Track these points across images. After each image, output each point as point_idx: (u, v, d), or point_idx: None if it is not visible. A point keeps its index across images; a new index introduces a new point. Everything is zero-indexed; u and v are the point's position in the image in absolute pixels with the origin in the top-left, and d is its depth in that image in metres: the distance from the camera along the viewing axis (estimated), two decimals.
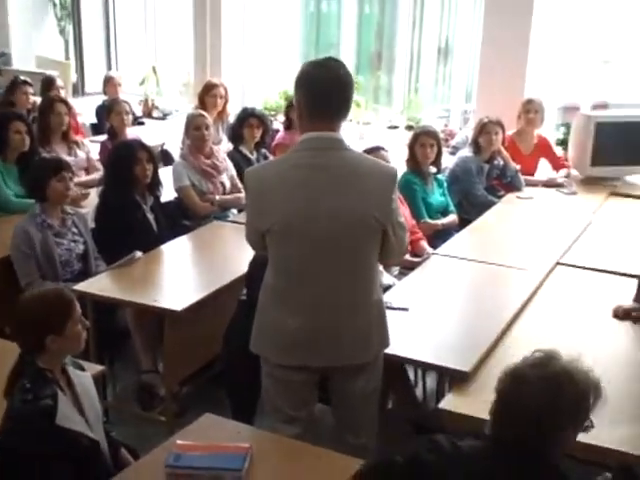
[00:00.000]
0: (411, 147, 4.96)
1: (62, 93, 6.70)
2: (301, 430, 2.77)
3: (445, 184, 5.17)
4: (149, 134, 6.47)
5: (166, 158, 6.27)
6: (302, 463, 2.42)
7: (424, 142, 4.89)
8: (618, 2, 7.25)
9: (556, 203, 5.35)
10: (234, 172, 5.16)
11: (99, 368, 3.00)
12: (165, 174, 4.83)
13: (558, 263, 4.10)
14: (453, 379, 2.97)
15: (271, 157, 5.56)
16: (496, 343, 3.16)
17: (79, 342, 2.48)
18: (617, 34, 8.23)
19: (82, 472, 2.32)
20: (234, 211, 5.12)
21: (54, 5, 9.37)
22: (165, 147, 6.55)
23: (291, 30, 8.04)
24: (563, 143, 6.22)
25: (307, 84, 2.66)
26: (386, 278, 3.86)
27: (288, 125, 5.84)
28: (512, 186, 5.55)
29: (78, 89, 9.41)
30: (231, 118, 6.38)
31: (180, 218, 4.85)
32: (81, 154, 5.56)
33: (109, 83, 7.40)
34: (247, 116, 5.51)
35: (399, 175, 2.85)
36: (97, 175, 5.35)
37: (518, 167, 5.56)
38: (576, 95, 6.97)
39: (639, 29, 8.53)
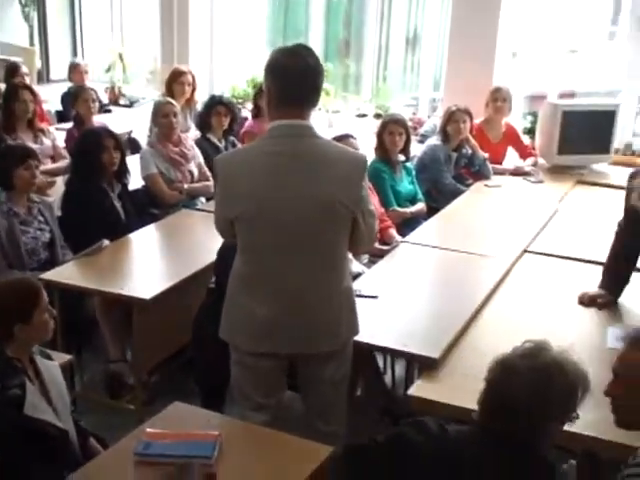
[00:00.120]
0: (379, 135, 4.97)
1: (27, 80, 6.60)
2: (270, 417, 2.77)
3: (413, 172, 5.19)
4: (116, 122, 6.40)
5: (133, 146, 6.21)
6: (272, 450, 2.43)
7: (392, 130, 4.91)
8: None
9: (523, 191, 5.39)
10: (202, 160, 5.13)
11: (67, 357, 2.98)
12: (132, 162, 4.79)
13: (525, 251, 4.13)
14: (422, 366, 2.99)
15: (239, 145, 5.54)
16: (464, 330, 3.19)
17: (47, 331, 2.46)
18: (583, 24, 8.30)
19: (51, 461, 2.31)
20: (202, 199, 5.09)
21: None
22: (132, 135, 6.48)
23: (258, 17, 8.00)
24: (530, 132, 6.26)
25: (277, 71, 2.65)
26: (355, 266, 3.87)
27: (256, 113, 5.82)
28: (480, 174, 5.58)
29: (43, 76, 9.28)
30: (199, 106, 6.33)
31: (148, 206, 4.82)
32: (47, 142, 5.50)
33: (75, 70, 7.31)
34: (215, 104, 5.48)
35: (368, 163, 2.86)
36: (63, 163, 5.29)
37: (486, 155, 5.59)
38: (543, 84, 7.03)
39: (604, 19, 8.61)
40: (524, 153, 5.97)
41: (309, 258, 2.67)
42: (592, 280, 3.56)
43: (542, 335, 2.79)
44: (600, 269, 3.55)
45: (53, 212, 4.18)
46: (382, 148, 4.95)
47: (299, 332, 2.71)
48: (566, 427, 2.18)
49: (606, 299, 3.45)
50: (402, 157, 5.03)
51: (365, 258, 4.24)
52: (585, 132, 5.72)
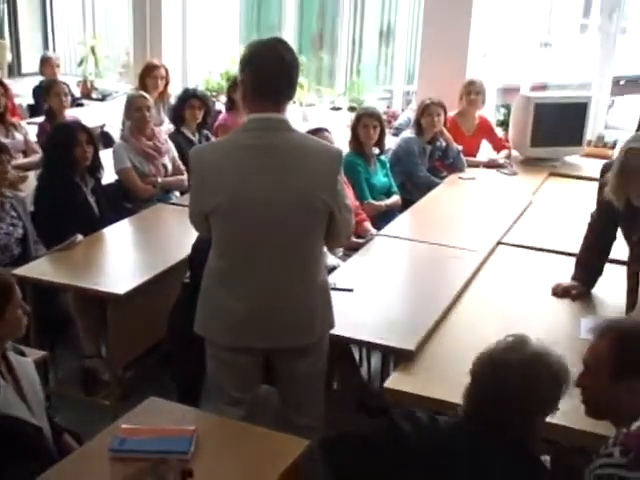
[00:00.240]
0: (354, 128, 4.98)
1: None
2: (246, 412, 2.77)
3: (388, 165, 5.19)
4: (88, 116, 6.35)
5: (106, 140, 6.16)
6: (248, 445, 2.42)
7: (367, 123, 4.91)
8: None
9: (497, 184, 5.43)
10: (176, 154, 5.11)
11: (40, 353, 2.95)
12: (105, 156, 4.76)
13: (499, 243, 4.16)
14: (398, 358, 3.00)
15: (213, 138, 5.52)
16: (440, 322, 3.20)
17: (19, 327, 2.44)
18: (555, 17, 8.36)
19: (25, 458, 2.29)
20: (177, 193, 5.07)
21: None
22: (105, 129, 6.44)
23: (232, 9, 7.96)
24: (504, 124, 6.29)
25: (252, 65, 2.65)
26: (330, 259, 3.87)
27: (230, 106, 5.79)
28: (454, 167, 5.60)
29: (14, 70, 9.17)
30: (172, 99, 6.30)
31: (121, 201, 4.79)
32: (18, 136, 5.45)
33: (46, 64, 7.25)
34: (188, 97, 5.46)
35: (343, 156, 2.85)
36: (35, 157, 5.25)
37: (460, 148, 5.61)
38: (516, 76, 7.06)
39: (576, 12, 8.67)
40: (498, 145, 6.00)
41: (284, 252, 2.67)
42: (565, 271, 3.59)
43: (516, 326, 2.82)
44: (573, 260, 3.58)
45: (26, 207, 4.14)
46: (356, 141, 4.95)
47: (274, 326, 2.70)
48: None
49: (579, 290, 3.47)
50: (376, 150, 5.04)
51: (340, 251, 4.24)
52: (557, 124, 5.76)
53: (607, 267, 3.52)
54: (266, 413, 2.92)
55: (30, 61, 8.70)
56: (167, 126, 5.99)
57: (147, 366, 4.00)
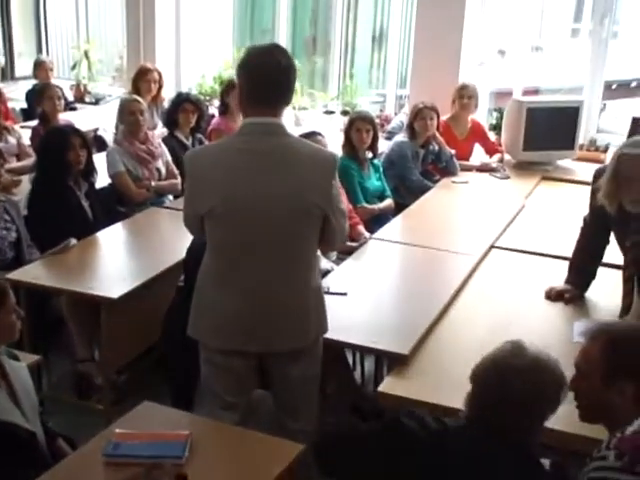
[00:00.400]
0: (347, 132, 4.99)
1: None
2: (240, 417, 2.77)
3: (381, 169, 5.20)
4: (82, 119, 6.35)
5: (100, 144, 6.16)
6: (242, 449, 2.42)
7: (360, 127, 4.92)
8: None
9: (490, 187, 5.44)
10: (169, 158, 5.11)
11: (34, 358, 2.94)
12: (99, 160, 4.75)
13: (493, 246, 4.17)
14: (392, 362, 3.01)
15: (207, 142, 5.52)
16: (433, 325, 3.21)
17: (13, 332, 2.43)
18: (547, 21, 8.39)
19: (19, 463, 2.28)
20: (170, 197, 5.07)
21: None
22: (99, 133, 6.43)
23: (225, 14, 7.96)
24: (496, 128, 6.31)
25: (249, 70, 2.67)
26: (324, 263, 3.87)
27: (223, 110, 5.80)
28: (447, 171, 5.62)
29: (7, 74, 9.16)
30: (166, 103, 6.30)
31: (115, 204, 4.79)
32: (12, 140, 5.44)
33: (40, 67, 7.24)
34: (182, 101, 5.47)
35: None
36: (29, 161, 5.24)
37: (453, 152, 5.62)
38: (509, 81, 7.08)
39: (567, 16, 8.70)
40: (490, 149, 6.02)
41: (279, 256, 2.67)
42: (559, 275, 3.60)
43: (510, 329, 2.83)
44: (566, 264, 3.60)
45: (19, 211, 4.13)
46: (349, 145, 4.96)
47: (268, 330, 2.71)
48: None
49: (572, 294, 3.49)
50: (370, 154, 5.05)
51: (334, 255, 4.25)
52: (550, 128, 5.78)
53: (600, 271, 3.53)
54: (260, 417, 2.92)
55: (24, 65, 8.68)
56: (160, 130, 5.99)
57: (141, 370, 4.00)
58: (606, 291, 3.50)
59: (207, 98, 7.28)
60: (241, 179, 2.62)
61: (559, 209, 4.90)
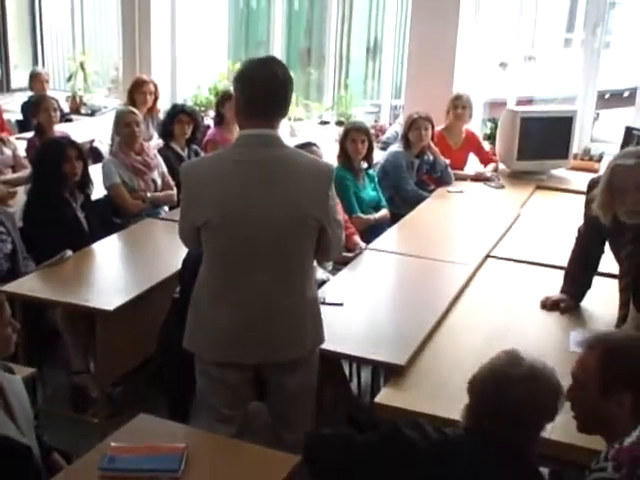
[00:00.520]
0: (342, 143, 5.00)
1: None
2: (236, 429, 2.77)
3: (376, 179, 5.21)
4: (77, 131, 6.35)
5: (95, 155, 6.16)
6: (239, 462, 2.41)
7: (355, 138, 4.93)
8: (541, 2, 7.42)
9: (485, 197, 5.45)
10: (165, 169, 5.11)
11: (29, 371, 2.93)
12: (95, 172, 4.75)
13: (488, 256, 4.18)
14: (388, 373, 3.00)
15: (202, 153, 5.53)
16: (430, 336, 3.21)
17: (8, 345, 2.42)
18: (540, 31, 8.42)
19: (13, 478, 2.27)
20: (166, 208, 5.07)
21: None
22: (94, 144, 6.43)
23: (220, 26, 7.99)
24: (491, 138, 6.33)
25: (245, 82, 2.68)
26: (320, 273, 3.87)
27: (219, 121, 5.81)
28: (442, 180, 5.63)
29: (3, 85, 9.16)
30: (161, 115, 6.31)
31: (111, 216, 4.78)
32: (7, 152, 5.44)
33: (36, 79, 7.23)
34: (177, 112, 5.47)
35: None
36: (24, 173, 5.23)
37: (448, 162, 5.63)
38: (503, 91, 7.10)
39: (560, 26, 8.74)
40: (485, 159, 6.03)
41: (275, 267, 2.68)
42: (554, 284, 3.61)
43: (506, 339, 2.83)
44: (562, 273, 3.60)
45: (15, 223, 4.12)
46: (345, 155, 4.97)
47: (265, 341, 2.71)
48: None
49: (568, 303, 3.49)
50: (365, 164, 5.06)
51: (329, 265, 4.25)
52: (544, 138, 5.80)
53: (596, 280, 3.54)
54: (257, 429, 2.91)
55: (19, 77, 8.69)
56: (156, 141, 5.99)
57: (137, 382, 3.99)
58: (602, 300, 3.50)
59: (202, 109, 7.29)
60: (237, 190, 2.62)
61: (554, 218, 4.91)
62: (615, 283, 3.36)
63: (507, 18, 7.07)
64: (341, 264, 4.11)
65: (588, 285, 3.52)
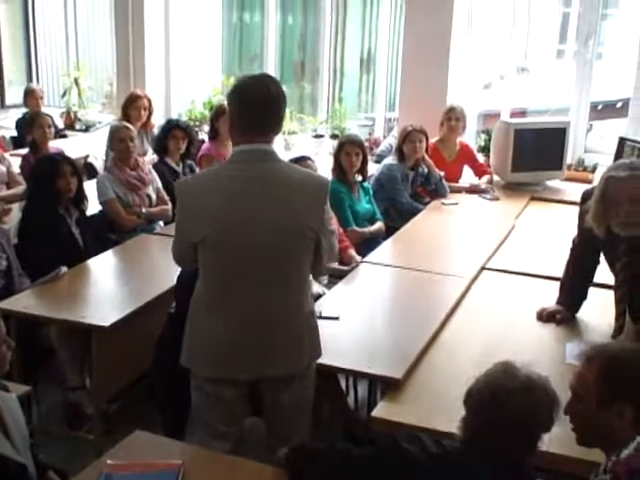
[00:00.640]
0: (336, 156, 5.01)
1: None
2: (232, 446, 2.76)
3: (371, 192, 5.22)
4: (72, 147, 6.36)
5: (90, 171, 6.16)
6: (235, 478, 2.40)
7: (349, 151, 4.94)
8: (533, 14, 7.45)
9: (480, 209, 5.46)
10: (160, 184, 5.12)
11: (24, 388, 2.92)
12: (90, 187, 4.75)
13: (483, 268, 4.18)
14: (385, 386, 3.00)
15: (197, 168, 5.54)
16: (426, 349, 3.20)
17: (3, 363, 2.41)
18: (533, 42, 8.45)
19: None
20: (161, 223, 5.07)
21: None
22: (89, 160, 6.44)
23: (214, 40, 8.01)
24: (485, 150, 6.34)
25: (238, 98, 2.70)
26: (315, 287, 3.87)
27: (213, 136, 5.81)
28: (437, 193, 5.64)
29: None
30: (156, 130, 6.32)
31: (106, 232, 4.78)
32: (2, 168, 5.44)
33: (30, 96, 7.25)
34: (172, 127, 5.48)
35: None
36: (19, 190, 5.24)
37: (442, 174, 5.64)
38: (496, 102, 7.12)
39: (553, 37, 8.77)
40: (479, 171, 6.05)
41: (273, 281, 2.68)
42: (550, 296, 3.61)
43: (502, 351, 2.83)
44: (557, 285, 3.60)
45: (9, 239, 4.12)
46: (339, 169, 4.98)
47: (262, 356, 2.70)
48: None
49: (564, 315, 3.49)
50: (359, 177, 5.07)
51: (325, 279, 4.25)
52: (537, 149, 5.82)
53: (591, 291, 3.54)
54: (253, 446, 2.90)
55: (14, 93, 8.69)
56: (151, 156, 6.00)
57: (133, 398, 3.97)
58: (598, 311, 3.50)
59: (197, 124, 7.30)
60: (234, 206, 2.62)
61: (549, 229, 4.92)
62: (610, 294, 3.36)
63: (500, 30, 7.10)
64: (336, 278, 4.11)
65: (583, 296, 3.52)
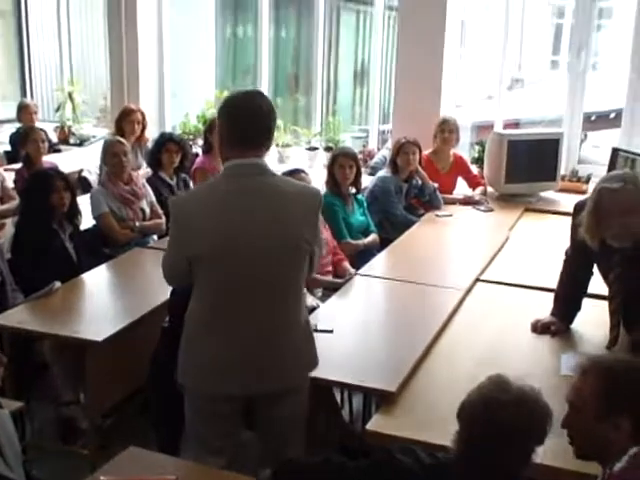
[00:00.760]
0: (330, 168, 5.02)
1: None
2: (227, 461, 2.74)
3: (365, 204, 5.22)
4: (66, 161, 6.36)
5: (84, 185, 6.16)
6: None
7: (343, 163, 4.95)
8: (526, 25, 7.48)
9: (474, 220, 5.46)
10: (154, 198, 5.12)
11: (17, 404, 2.91)
12: (84, 202, 4.75)
13: (478, 280, 4.17)
14: (380, 399, 2.99)
15: (191, 182, 5.53)
16: (420, 361, 3.20)
17: None
18: (526, 54, 8.49)
19: None
20: (154, 237, 5.06)
21: None
22: (83, 174, 6.43)
23: (208, 54, 8.03)
24: (478, 161, 6.35)
25: (228, 113, 2.71)
26: (310, 300, 3.86)
27: (207, 149, 5.81)
28: (431, 204, 5.64)
29: None
30: (149, 143, 6.32)
31: (100, 246, 4.77)
32: None
33: (24, 111, 7.25)
34: (165, 141, 5.48)
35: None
36: (13, 204, 5.23)
37: (436, 185, 5.65)
38: (489, 114, 7.14)
39: (546, 48, 8.81)
40: (473, 182, 6.05)
41: (269, 296, 2.68)
42: (544, 307, 3.60)
43: (497, 363, 2.82)
44: (552, 296, 3.60)
45: (3, 254, 4.11)
46: (333, 181, 4.99)
47: (258, 372, 2.69)
48: None
49: (558, 326, 3.49)
50: (353, 190, 5.07)
51: (319, 292, 4.24)
52: (531, 161, 5.83)
53: (586, 302, 3.54)
54: (248, 461, 2.89)
55: (8, 108, 8.69)
56: (145, 170, 6.00)
57: (127, 413, 3.96)
58: (592, 322, 3.50)
59: (191, 137, 7.31)
60: (229, 221, 2.62)
61: (543, 241, 4.91)
62: (605, 304, 3.36)
63: (493, 41, 7.13)
64: (331, 290, 4.11)
65: (577, 307, 3.52)
